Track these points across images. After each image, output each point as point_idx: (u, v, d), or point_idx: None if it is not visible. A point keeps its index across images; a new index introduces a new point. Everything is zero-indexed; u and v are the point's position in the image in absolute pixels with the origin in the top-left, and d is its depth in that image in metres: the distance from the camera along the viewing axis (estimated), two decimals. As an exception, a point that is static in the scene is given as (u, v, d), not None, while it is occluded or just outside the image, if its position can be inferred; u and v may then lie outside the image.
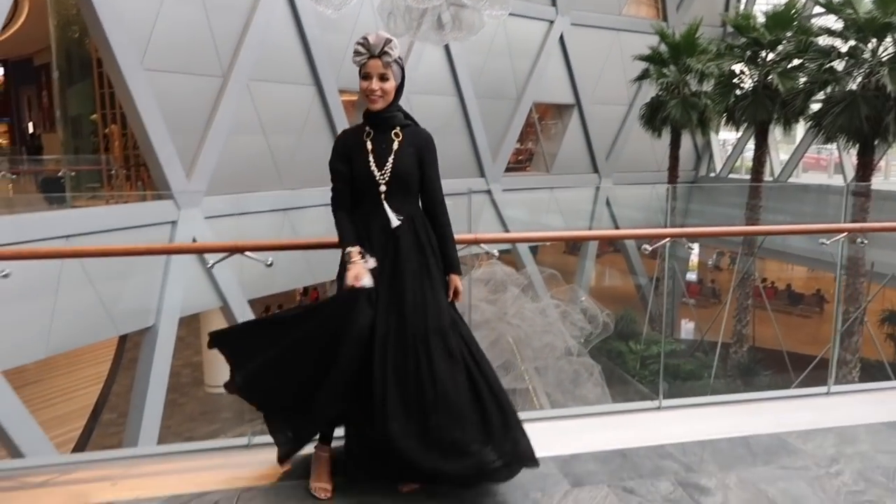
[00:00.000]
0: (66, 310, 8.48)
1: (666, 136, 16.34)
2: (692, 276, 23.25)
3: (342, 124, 12.33)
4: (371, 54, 2.36)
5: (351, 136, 2.49)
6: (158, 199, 10.26)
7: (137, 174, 13.63)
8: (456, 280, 2.52)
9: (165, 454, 2.87)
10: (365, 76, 2.39)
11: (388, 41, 2.35)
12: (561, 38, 16.88)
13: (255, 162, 11.63)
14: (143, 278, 9.66)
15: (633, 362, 14.78)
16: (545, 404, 10.45)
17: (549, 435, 3.03)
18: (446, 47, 14.44)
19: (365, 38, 2.36)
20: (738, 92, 14.99)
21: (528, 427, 3.18)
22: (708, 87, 15.45)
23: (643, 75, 16.27)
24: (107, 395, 12.98)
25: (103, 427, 12.23)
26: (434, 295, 2.42)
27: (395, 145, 2.43)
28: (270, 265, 2.84)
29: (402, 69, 2.45)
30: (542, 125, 18.63)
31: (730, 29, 17.81)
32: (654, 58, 15.91)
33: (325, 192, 2.53)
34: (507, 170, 17.04)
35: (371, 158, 2.41)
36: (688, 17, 17.86)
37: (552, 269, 13.00)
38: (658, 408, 3.37)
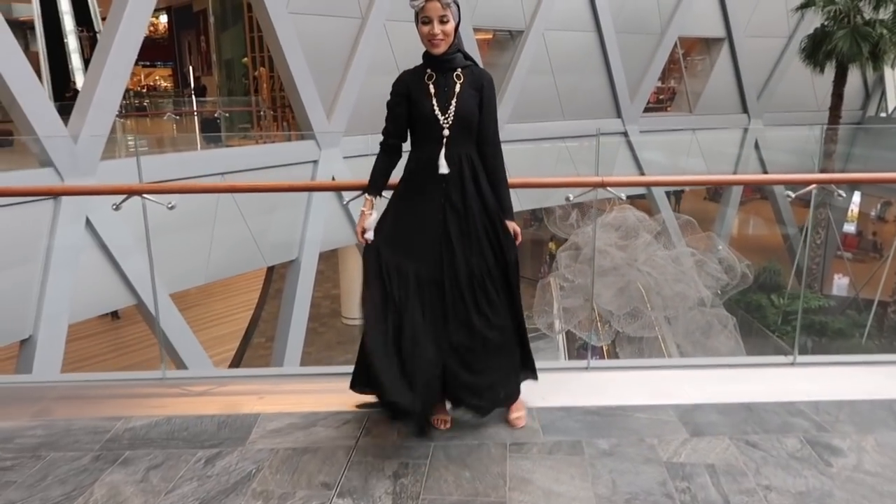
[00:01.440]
0: (222, 241, 9.31)
1: (830, 72, 14.79)
2: (850, 227, 21.28)
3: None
4: None
5: (412, 79, 2.45)
6: (301, 140, 10.81)
7: (283, 115, 14.42)
8: (514, 225, 2.49)
9: (306, 375, 3.15)
10: (424, 20, 2.34)
11: None
12: (713, -37, 15.57)
13: (391, 103, 11.85)
14: (287, 214, 10.33)
15: (773, 317, 13.92)
16: (674, 354, 10.17)
17: (670, 383, 2.99)
18: (586, -21, 13.79)
19: None
20: (921, 19, 13.24)
21: (650, 374, 3.17)
22: (885, 14, 13.72)
23: (807, 3, 14.66)
24: (256, 321, 14.22)
25: (253, 349, 13.46)
26: (479, 242, 2.42)
27: (458, 87, 2.40)
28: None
29: (459, 8, 2.39)
30: (686, 61, 17.44)
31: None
32: (821, -18, 14.30)
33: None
34: (646, 110, 16.21)
35: (434, 102, 2.39)
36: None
37: (691, 216, 12.41)
38: (792, 363, 3.20)
